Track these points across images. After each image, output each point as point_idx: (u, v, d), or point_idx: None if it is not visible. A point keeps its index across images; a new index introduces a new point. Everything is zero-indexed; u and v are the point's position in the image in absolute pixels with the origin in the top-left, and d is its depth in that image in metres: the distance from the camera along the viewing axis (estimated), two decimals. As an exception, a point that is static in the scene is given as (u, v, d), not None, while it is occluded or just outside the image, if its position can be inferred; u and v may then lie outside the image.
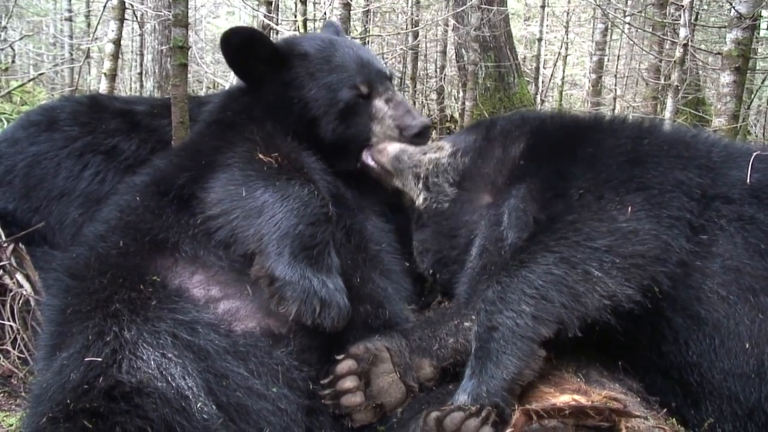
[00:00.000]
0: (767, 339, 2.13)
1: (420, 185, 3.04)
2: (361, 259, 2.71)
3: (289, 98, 3.10)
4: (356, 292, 2.52)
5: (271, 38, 3.45)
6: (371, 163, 3.19)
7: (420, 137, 3.22)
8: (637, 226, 2.22)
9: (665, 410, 2.23)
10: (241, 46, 3.01)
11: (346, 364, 2.22)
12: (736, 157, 2.53)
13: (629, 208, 2.26)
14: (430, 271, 3.04)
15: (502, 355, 2.09)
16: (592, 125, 2.89)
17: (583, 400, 2.04)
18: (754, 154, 2.49)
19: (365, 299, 2.52)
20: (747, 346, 2.14)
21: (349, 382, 2.19)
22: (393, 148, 3.15)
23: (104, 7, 7.47)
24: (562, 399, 2.07)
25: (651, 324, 2.28)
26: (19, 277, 3.17)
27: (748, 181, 2.40)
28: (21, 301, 3.08)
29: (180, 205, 2.57)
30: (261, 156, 2.59)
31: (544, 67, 15.11)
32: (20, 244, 3.28)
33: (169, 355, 2.03)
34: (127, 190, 2.80)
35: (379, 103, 3.20)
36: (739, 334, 2.16)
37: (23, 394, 2.78)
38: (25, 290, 3.11)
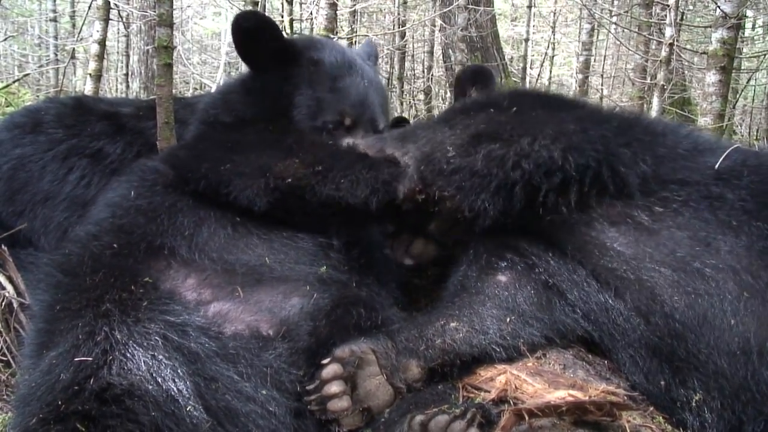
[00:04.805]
0: (753, 318, 2.16)
1: None
2: (358, 264, 2.73)
3: (279, 92, 3.12)
4: (352, 295, 2.53)
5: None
6: None
7: None
8: None
9: (651, 409, 2.24)
10: (251, 31, 3.02)
11: (331, 369, 2.19)
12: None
13: None
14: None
15: None
16: None
17: (580, 395, 2.03)
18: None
19: (359, 303, 2.51)
20: (732, 322, 2.17)
21: (335, 387, 2.16)
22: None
23: (89, 7, 7.41)
24: (557, 395, 2.05)
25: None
26: (1, 278, 3.14)
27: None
28: (3, 303, 3.05)
29: (179, 203, 2.59)
30: None
31: (531, 68, 15.16)
32: (3, 246, 3.25)
33: (160, 357, 2.02)
34: (125, 181, 2.80)
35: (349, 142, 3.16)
36: (724, 310, 2.19)
37: (5, 397, 2.76)
38: (8, 292, 3.08)
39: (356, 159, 2.69)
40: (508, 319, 2.42)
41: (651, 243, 2.40)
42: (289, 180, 2.57)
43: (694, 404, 2.18)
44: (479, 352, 2.36)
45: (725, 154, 2.55)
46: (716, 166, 2.52)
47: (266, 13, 10.13)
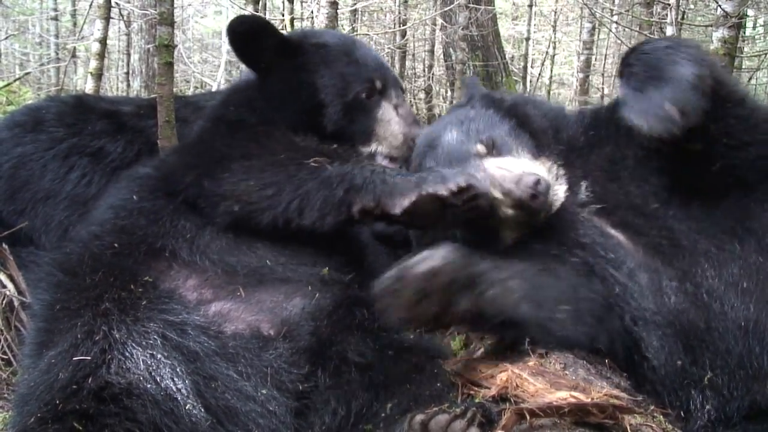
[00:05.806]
0: (757, 286, 2.17)
1: None
2: (361, 266, 2.71)
3: (298, 82, 3.05)
4: (354, 296, 2.53)
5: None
6: None
7: None
8: None
9: (652, 408, 2.23)
10: (246, 35, 2.99)
11: None
12: None
13: None
14: None
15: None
16: None
17: (582, 396, 2.03)
18: None
19: (362, 303, 2.51)
20: (741, 286, 2.18)
21: None
22: None
23: (90, 5, 7.43)
24: (559, 395, 2.05)
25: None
26: (2, 277, 3.14)
27: None
28: (4, 302, 3.05)
29: (181, 207, 2.56)
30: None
31: (531, 66, 15.15)
32: (3, 245, 3.25)
33: (159, 356, 2.02)
34: (125, 186, 2.78)
35: (387, 107, 3.15)
36: (740, 274, 2.20)
37: (6, 395, 2.76)
38: (9, 290, 3.09)
39: (307, 177, 2.53)
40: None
41: (706, 211, 2.37)
42: (242, 205, 2.51)
43: (706, 382, 2.17)
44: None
45: None
46: None
47: (267, 12, 10.15)
